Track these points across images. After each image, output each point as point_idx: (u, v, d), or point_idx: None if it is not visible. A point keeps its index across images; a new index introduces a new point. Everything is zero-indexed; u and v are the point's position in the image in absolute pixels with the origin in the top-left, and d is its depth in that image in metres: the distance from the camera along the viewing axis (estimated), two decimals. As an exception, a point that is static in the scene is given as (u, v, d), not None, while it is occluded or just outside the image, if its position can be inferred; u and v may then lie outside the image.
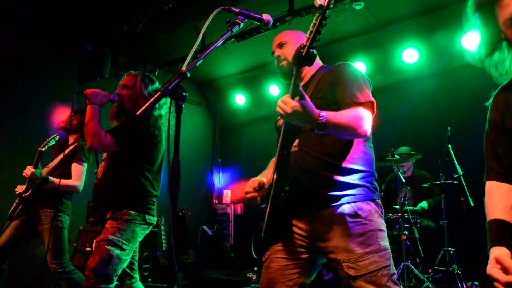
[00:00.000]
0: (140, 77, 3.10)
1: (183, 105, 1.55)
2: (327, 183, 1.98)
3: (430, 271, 4.68)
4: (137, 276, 3.17)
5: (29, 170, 3.94)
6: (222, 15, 1.85)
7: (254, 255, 2.23)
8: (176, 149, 1.46)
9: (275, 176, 2.03)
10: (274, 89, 7.64)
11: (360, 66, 6.60)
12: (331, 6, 1.53)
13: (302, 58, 1.60)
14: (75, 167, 4.11)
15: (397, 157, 4.87)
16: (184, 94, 1.51)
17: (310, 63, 1.62)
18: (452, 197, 4.87)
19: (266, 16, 1.97)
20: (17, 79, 5.81)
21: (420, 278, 4.40)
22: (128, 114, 3.03)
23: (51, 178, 3.99)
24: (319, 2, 1.53)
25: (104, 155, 3.15)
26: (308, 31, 1.58)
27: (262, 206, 2.16)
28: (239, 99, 8.32)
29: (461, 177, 4.62)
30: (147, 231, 2.98)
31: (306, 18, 5.15)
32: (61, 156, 4.09)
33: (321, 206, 1.99)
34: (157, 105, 2.92)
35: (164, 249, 6.38)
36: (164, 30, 6.06)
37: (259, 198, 2.23)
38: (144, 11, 5.58)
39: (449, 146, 4.77)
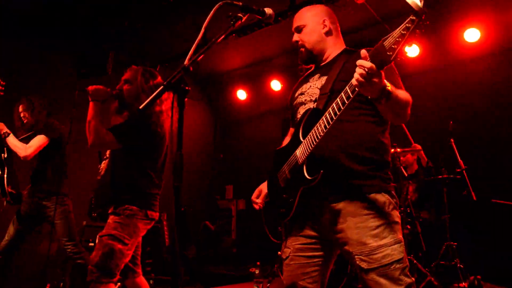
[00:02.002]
0: (141, 71, 3.09)
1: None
2: (343, 172, 1.94)
3: (432, 265, 4.69)
4: (140, 270, 3.17)
5: None
6: (224, 9, 1.84)
7: (274, 239, 2.23)
8: (179, 143, 1.46)
9: (302, 161, 1.95)
10: (275, 84, 7.63)
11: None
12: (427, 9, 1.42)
13: (389, 62, 1.51)
14: (35, 138, 4.14)
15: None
16: (187, 88, 1.50)
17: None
18: (455, 192, 4.87)
19: (268, 10, 1.96)
20: (17, 77, 5.81)
21: (422, 272, 4.40)
22: (129, 109, 3.03)
23: (11, 135, 4.10)
24: (417, 3, 1.42)
25: (108, 151, 3.15)
26: (400, 32, 1.47)
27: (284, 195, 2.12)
28: (241, 94, 8.31)
29: (464, 171, 4.61)
30: (149, 226, 2.98)
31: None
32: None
33: (336, 197, 1.95)
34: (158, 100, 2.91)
35: (166, 244, 6.40)
36: (165, 26, 6.05)
37: (259, 205, 2.30)
38: (145, 6, 5.56)
39: (452, 140, 4.76)
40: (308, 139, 1.90)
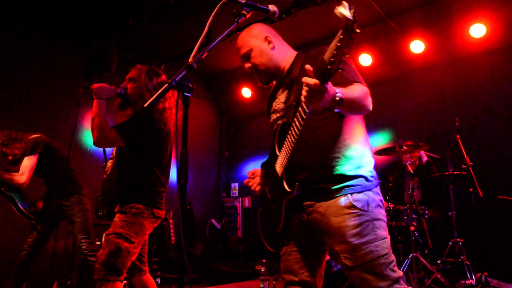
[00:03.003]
0: (145, 70, 3.09)
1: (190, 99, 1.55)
2: (323, 175, 1.98)
3: (439, 262, 4.67)
4: (146, 268, 3.18)
5: None
6: (228, 7, 1.84)
7: (270, 248, 2.27)
8: (184, 141, 1.46)
9: (281, 174, 2.03)
10: (280, 82, 7.61)
11: (366, 57, 6.57)
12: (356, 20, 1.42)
13: (331, 75, 1.53)
14: (24, 162, 4.16)
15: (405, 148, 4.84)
16: (191, 85, 1.51)
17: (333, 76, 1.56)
18: (461, 188, 4.85)
19: (272, 7, 1.96)
20: (22, 76, 5.84)
21: (428, 269, 4.39)
22: (133, 107, 3.04)
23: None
24: (346, 15, 1.42)
25: (113, 150, 3.16)
26: (336, 45, 1.47)
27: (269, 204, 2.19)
28: (246, 92, 8.31)
29: (470, 167, 4.59)
30: (155, 224, 2.99)
31: (312, 10, 5.13)
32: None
33: (319, 199, 1.99)
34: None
35: (172, 242, 6.42)
36: (169, 24, 6.06)
37: (256, 185, 2.32)
38: (149, 5, 5.57)
39: (458, 136, 4.74)
40: (283, 152, 1.99)
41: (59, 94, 6.14)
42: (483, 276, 4.27)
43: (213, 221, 7.95)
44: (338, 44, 1.46)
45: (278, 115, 2.23)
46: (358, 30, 1.42)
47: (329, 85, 1.60)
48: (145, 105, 1.41)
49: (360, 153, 2.02)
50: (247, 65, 2.27)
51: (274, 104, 2.29)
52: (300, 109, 1.78)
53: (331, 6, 5.47)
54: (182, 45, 6.66)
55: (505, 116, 5.57)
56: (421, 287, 4.21)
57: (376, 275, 1.86)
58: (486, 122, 5.73)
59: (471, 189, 4.59)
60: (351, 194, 1.94)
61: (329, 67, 1.50)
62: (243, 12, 1.84)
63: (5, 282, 4.25)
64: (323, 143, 2.00)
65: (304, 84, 1.59)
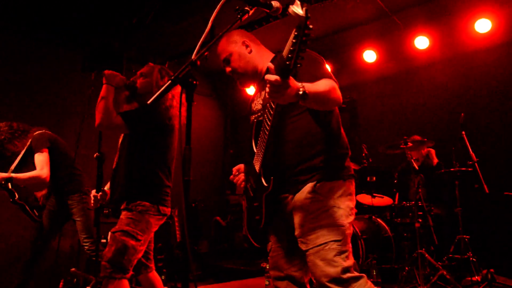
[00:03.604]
0: (158, 68, 3.17)
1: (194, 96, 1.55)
2: (296, 169, 2.05)
3: (444, 259, 4.66)
4: (153, 266, 3.19)
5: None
6: (231, 4, 1.84)
7: (256, 244, 2.30)
8: (188, 138, 1.46)
9: (258, 170, 2.10)
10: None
11: (371, 54, 6.55)
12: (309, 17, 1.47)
13: (290, 70, 1.57)
14: (37, 158, 4.12)
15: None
16: (194, 82, 1.51)
17: (295, 72, 1.61)
18: (467, 184, 4.83)
19: (275, 3, 1.95)
20: (26, 76, 5.87)
21: (434, 266, 4.38)
22: (139, 100, 3.06)
23: (13, 175, 4.04)
24: (298, 13, 1.48)
25: (118, 149, 3.17)
26: (292, 41, 1.52)
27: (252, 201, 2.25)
28: (250, 89, 8.29)
29: (475, 163, 4.57)
30: (161, 221, 3.00)
31: (315, 6, 5.11)
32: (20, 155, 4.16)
33: (291, 191, 2.06)
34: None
35: (177, 240, 6.44)
36: (173, 22, 6.06)
37: (241, 181, 2.38)
38: (153, 2, 5.57)
39: (463, 132, 4.71)
40: (258, 149, 2.07)
41: (63, 93, 6.16)
42: (489, 272, 4.25)
43: (218, 218, 7.96)
44: (294, 41, 1.50)
45: (256, 115, 2.32)
46: (311, 26, 1.47)
47: (291, 80, 1.64)
48: (149, 102, 1.41)
49: (332, 146, 2.09)
50: (228, 69, 2.38)
51: (253, 105, 2.41)
52: (267, 105, 1.86)
53: (334, 3, 5.46)
54: (186, 43, 6.65)
55: (511, 112, 5.54)
56: (427, 284, 4.19)
57: (325, 261, 1.88)
58: (491, 118, 5.70)
59: (476, 186, 4.57)
60: (318, 182, 2.00)
61: (287, 63, 1.54)
62: (246, 8, 1.84)
63: (9, 280, 4.26)
64: (296, 138, 2.07)
65: (266, 80, 1.64)
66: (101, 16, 5.83)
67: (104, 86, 2.93)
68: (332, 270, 1.87)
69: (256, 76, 2.37)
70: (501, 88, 5.67)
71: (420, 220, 4.52)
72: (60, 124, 5.83)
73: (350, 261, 1.92)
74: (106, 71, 2.97)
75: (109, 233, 2.86)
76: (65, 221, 4.37)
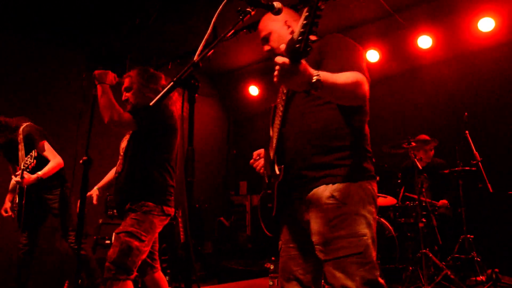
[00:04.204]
0: (133, 74, 3.14)
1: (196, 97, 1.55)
2: (308, 164, 1.92)
3: (448, 258, 4.65)
4: (158, 266, 3.20)
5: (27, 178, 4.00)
6: (233, 5, 1.84)
7: (268, 233, 2.25)
8: (190, 138, 1.46)
9: (274, 158, 2.00)
10: (287, 79, 7.61)
11: (374, 53, 6.54)
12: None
13: (300, 54, 1.46)
14: (46, 147, 4.17)
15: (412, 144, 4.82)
16: (197, 84, 1.51)
17: (306, 56, 1.49)
18: (470, 184, 4.82)
19: (277, 4, 1.95)
20: (28, 78, 5.89)
21: (438, 266, 4.37)
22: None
23: (40, 173, 4.07)
24: None
25: (121, 151, 3.17)
26: (302, 23, 1.43)
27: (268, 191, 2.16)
28: (253, 90, 8.31)
29: (479, 163, 4.56)
30: (165, 222, 3.01)
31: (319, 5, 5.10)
32: (22, 151, 4.15)
33: (303, 188, 1.94)
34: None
35: (181, 241, 6.44)
36: (176, 22, 6.07)
37: (260, 167, 2.27)
38: (155, 3, 5.58)
39: (466, 132, 4.70)
40: (274, 135, 1.98)
41: (65, 94, 6.18)
42: (494, 272, 4.24)
43: (222, 219, 7.97)
44: (305, 22, 1.43)
45: (278, 99, 2.18)
46: (322, 7, 1.41)
47: (302, 65, 1.54)
48: (151, 103, 1.42)
49: (350, 144, 1.93)
50: (266, 47, 2.27)
51: (281, 88, 2.25)
52: (280, 90, 1.78)
53: (337, 2, 5.45)
54: (188, 44, 6.66)
55: (515, 111, 5.53)
56: (431, 284, 4.18)
57: (346, 273, 1.77)
58: (495, 117, 5.68)
59: (480, 185, 4.56)
60: (333, 184, 1.86)
61: (297, 45, 1.45)
62: (248, 9, 1.84)
63: (7, 283, 4.27)
64: (311, 130, 1.94)
65: (275, 62, 1.55)
66: (104, 16, 5.85)
67: (98, 86, 2.91)
68: (352, 284, 1.76)
69: None
70: (505, 87, 5.65)
71: (424, 220, 4.51)
72: (61, 124, 5.85)
73: (374, 272, 1.79)
74: (96, 71, 2.95)
75: (113, 234, 2.87)
76: (45, 217, 4.34)
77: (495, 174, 4.86)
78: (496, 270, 4.28)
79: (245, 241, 7.82)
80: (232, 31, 1.77)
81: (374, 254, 1.82)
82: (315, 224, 1.87)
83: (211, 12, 1.83)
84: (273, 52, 2.22)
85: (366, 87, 1.81)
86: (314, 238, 1.87)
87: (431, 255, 4.33)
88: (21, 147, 4.13)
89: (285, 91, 1.76)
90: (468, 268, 4.52)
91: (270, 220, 2.16)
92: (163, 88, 3.02)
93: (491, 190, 4.44)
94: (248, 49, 7.23)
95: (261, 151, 2.33)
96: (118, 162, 3.13)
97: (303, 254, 2.04)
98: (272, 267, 5.12)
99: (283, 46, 1.56)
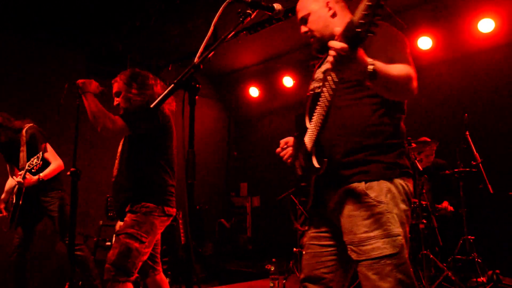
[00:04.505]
0: (120, 78, 3.11)
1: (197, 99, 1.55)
2: (342, 160, 1.85)
3: (449, 260, 4.64)
4: (160, 268, 3.18)
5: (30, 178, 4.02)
6: (234, 6, 1.84)
7: (299, 227, 2.19)
8: (191, 140, 1.46)
9: (310, 149, 1.90)
10: (288, 80, 7.62)
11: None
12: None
13: (361, 39, 1.36)
14: (49, 149, 4.20)
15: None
16: (197, 85, 1.51)
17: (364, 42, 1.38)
18: (471, 185, 4.81)
19: (277, 6, 1.95)
20: (28, 78, 5.89)
21: (439, 267, 4.36)
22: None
23: (41, 175, 4.10)
24: None
25: (118, 154, 3.15)
26: (366, 4, 1.31)
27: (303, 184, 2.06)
28: (253, 92, 8.32)
29: (480, 164, 4.55)
30: (167, 222, 3.00)
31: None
32: (23, 152, 4.16)
33: (336, 185, 1.87)
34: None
35: (182, 242, 6.44)
36: (177, 24, 6.08)
37: (288, 156, 2.19)
38: (156, 5, 5.59)
39: (467, 133, 4.70)
40: (312, 125, 1.86)
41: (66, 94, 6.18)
42: (494, 273, 4.24)
43: (223, 220, 7.97)
44: (369, 3, 1.31)
45: (315, 84, 2.11)
46: None
47: (360, 52, 1.45)
48: (152, 105, 1.42)
49: (385, 141, 1.87)
50: (303, 29, 2.15)
51: (317, 71, 2.18)
52: (328, 78, 1.64)
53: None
54: (189, 45, 6.67)
55: (515, 112, 5.52)
56: (432, 285, 4.18)
57: (380, 275, 1.72)
58: (495, 118, 5.68)
59: (481, 186, 4.56)
60: (366, 181, 1.80)
61: (358, 30, 1.34)
62: (248, 11, 1.84)
63: (7, 283, 4.26)
64: (347, 125, 1.88)
65: (331, 48, 1.44)
66: (104, 17, 5.85)
67: (83, 96, 2.88)
68: (387, 286, 1.71)
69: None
70: (506, 88, 5.65)
71: (424, 221, 4.51)
72: (61, 124, 5.85)
73: (408, 273, 1.75)
74: (79, 80, 2.92)
75: (113, 235, 2.87)
76: (40, 218, 4.35)
77: (496, 175, 4.85)
78: (497, 271, 4.28)
79: (245, 242, 7.81)
80: (233, 33, 1.78)
81: (407, 253, 1.78)
82: (347, 222, 1.82)
83: (211, 14, 1.83)
84: (312, 35, 2.12)
85: (415, 82, 1.75)
86: (346, 238, 1.82)
87: (431, 256, 4.33)
88: (23, 148, 4.14)
89: (336, 80, 1.61)
90: (469, 269, 4.51)
91: (302, 214, 2.13)
92: (151, 88, 3.04)
93: (491, 191, 4.44)
94: (248, 50, 7.23)
95: (289, 139, 2.24)
96: (115, 166, 3.11)
97: (329, 253, 1.98)
98: (272, 268, 5.13)
99: (338, 30, 1.45)
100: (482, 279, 4.33)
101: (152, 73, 3.22)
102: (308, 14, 2.10)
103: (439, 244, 4.73)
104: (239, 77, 8.37)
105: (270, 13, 1.94)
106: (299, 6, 2.16)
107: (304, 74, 7.39)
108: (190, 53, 6.78)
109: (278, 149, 2.26)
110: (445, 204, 5.18)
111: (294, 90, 7.68)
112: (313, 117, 1.85)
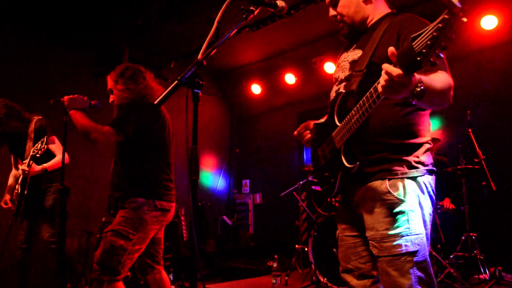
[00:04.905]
0: (111, 76, 3.02)
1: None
2: (367, 157, 1.85)
3: (451, 257, 4.64)
4: (160, 267, 3.06)
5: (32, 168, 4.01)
6: (236, 3, 1.84)
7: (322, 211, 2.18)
8: (194, 137, 1.47)
9: (339, 146, 1.89)
10: (290, 77, 7.62)
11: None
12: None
13: (418, 67, 1.28)
14: (56, 141, 4.20)
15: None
16: (201, 82, 1.51)
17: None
18: (473, 182, 4.81)
19: (280, 3, 1.95)
20: (33, 78, 5.90)
21: (441, 264, 4.37)
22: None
23: (46, 165, 4.09)
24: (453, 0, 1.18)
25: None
26: (432, 34, 1.22)
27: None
28: (255, 89, 8.32)
29: (482, 161, 4.55)
30: (162, 218, 2.87)
31: (321, 4, 5.11)
32: (30, 143, 4.14)
33: (361, 181, 1.88)
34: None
35: (184, 239, 6.46)
36: (179, 22, 6.08)
37: (306, 139, 2.19)
38: (158, 3, 5.59)
39: (470, 130, 4.70)
40: (344, 126, 1.82)
41: (69, 94, 6.19)
42: (497, 270, 4.24)
43: (225, 217, 7.98)
44: (435, 34, 1.21)
45: (340, 74, 2.05)
46: (464, 19, 1.18)
47: (415, 78, 1.39)
48: (156, 102, 1.42)
49: (410, 139, 1.85)
50: (332, 12, 2.06)
51: (344, 56, 2.11)
52: (374, 93, 1.59)
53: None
54: (191, 43, 6.68)
55: (518, 109, 5.51)
56: (434, 281, 4.18)
57: (400, 272, 1.73)
58: (498, 115, 5.67)
59: (483, 183, 4.56)
60: (389, 179, 1.80)
61: (418, 58, 1.25)
62: (251, 8, 1.84)
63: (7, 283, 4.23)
64: (376, 126, 1.85)
65: (384, 71, 1.39)
66: (105, 17, 5.86)
67: (71, 112, 2.82)
68: (407, 283, 1.71)
69: (361, 29, 2.03)
70: (508, 85, 5.64)
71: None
72: (61, 126, 5.86)
73: (428, 271, 1.76)
74: (65, 97, 2.86)
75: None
76: (37, 211, 4.26)
77: (498, 172, 4.85)
78: (499, 268, 4.28)
79: (247, 239, 7.83)
80: (235, 30, 1.78)
81: (427, 251, 1.79)
82: (369, 219, 1.83)
83: (214, 11, 1.83)
84: (341, 19, 2.05)
85: (453, 90, 1.71)
86: (368, 233, 1.83)
87: (434, 253, 4.34)
88: (30, 139, 4.13)
89: (380, 97, 1.56)
90: (471, 266, 4.52)
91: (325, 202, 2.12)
92: (141, 82, 2.97)
93: (494, 188, 4.43)
94: (250, 47, 7.23)
95: (309, 123, 2.21)
96: (111, 164, 3.05)
97: (362, 243, 1.97)
98: (274, 265, 5.13)
99: (392, 49, 1.39)
100: (484, 276, 4.34)
101: (154, 71, 3.15)
102: None
103: (442, 241, 4.73)
104: (241, 74, 8.37)
105: (272, 10, 1.94)
106: None
107: (306, 72, 7.39)
108: (192, 50, 6.78)
109: (296, 132, 2.24)
110: (446, 201, 5.19)
111: (296, 87, 7.68)
112: (346, 118, 1.80)
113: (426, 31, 1.24)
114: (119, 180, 2.87)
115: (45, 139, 3.83)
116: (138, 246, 2.71)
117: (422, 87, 1.40)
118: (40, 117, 4.30)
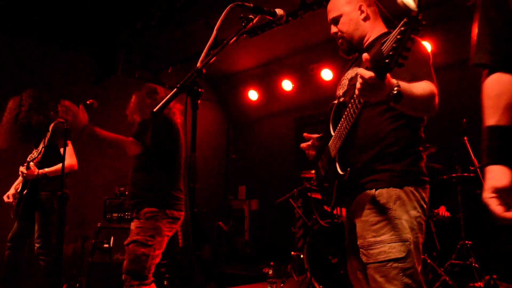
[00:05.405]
0: (132, 101, 3.30)
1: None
2: (360, 168, 1.93)
3: (446, 264, 4.65)
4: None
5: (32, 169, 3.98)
6: (235, 11, 1.85)
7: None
8: (193, 145, 1.47)
9: (334, 155, 1.97)
10: (287, 84, 7.64)
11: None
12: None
13: (389, 70, 1.38)
14: (69, 146, 4.16)
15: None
16: (200, 90, 1.52)
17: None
18: (469, 190, 4.82)
19: (279, 11, 1.97)
20: (32, 82, 5.89)
21: (437, 272, 4.37)
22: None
23: (47, 169, 4.05)
24: (408, 4, 1.29)
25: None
26: (396, 37, 1.32)
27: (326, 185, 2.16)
28: (252, 95, 8.33)
29: (478, 169, 4.57)
30: (174, 225, 3.07)
31: (319, 12, 5.13)
32: (43, 143, 4.08)
33: (354, 190, 1.96)
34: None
35: (180, 245, 6.44)
36: (177, 28, 6.09)
37: (310, 154, 2.28)
38: (157, 8, 5.60)
39: (465, 138, 4.72)
40: (336, 135, 1.92)
41: (68, 97, 6.18)
42: (492, 279, 4.24)
43: (220, 223, 7.96)
44: (399, 37, 1.32)
45: (340, 91, 2.17)
46: (424, 22, 1.29)
47: (387, 80, 1.48)
48: (155, 110, 1.43)
49: (400, 149, 1.92)
50: (333, 29, 2.18)
51: (344, 76, 2.22)
52: (355, 96, 1.69)
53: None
54: (189, 49, 6.68)
55: (513, 118, 5.53)
56: (429, 289, 4.19)
57: (386, 278, 1.78)
58: (494, 124, 5.69)
59: (478, 191, 4.56)
60: (377, 189, 1.88)
61: (386, 61, 1.36)
62: (250, 16, 1.86)
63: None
64: (361, 136, 1.93)
65: (359, 76, 1.49)
66: (104, 21, 5.86)
67: (96, 133, 2.81)
68: None
69: (361, 46, 2.14)
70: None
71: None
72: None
73: (415, 277, 1.80)
74: (68, 118, 2.84)
75: (124, 246, 2.94)
76: (32, 212, 4.18)
77: (494, 180, 4.86)
78: (494, 276, 4.28)
79: (243, 245, 7.81)
80: (234, 38, 1.79)
81: (416, 260, 1.82)
82: (359, 227, 1.92)
83: (212, 17, 1.84)
84: (341, 36, 2.15)
85: (437, 99, 1.80)
86: (359, 241, 1.91)
87: (429, 261, 4.34)
88: (43, 141, 4.09)
89: (361, 101, 1.67)
90: (466, 274, 4.52)
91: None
92: (158, 99, 3.15)
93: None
94: (248, 53, 7.25)
95: (313, 137, 2.29)
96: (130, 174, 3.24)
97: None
98: (270, 272, 5.13)
99: (366, 55, 1.49)
100: (479, 284, 4.34)
101: (151, 75, 3.33)
102: (340, 16, 2.13)
103: (437, 249, 4.74)
104: (238, 80, 8.39)
105: (271, 18, 1.96)
106: (330, 6, 2.20)
107: (303, 79, 7.41)
108: (189, 56, 6.79)
109: (303, 145, 2.33)
110: (442, 209, 5.19)
111: (293, 93, 7.70)
112: (338, 127, 1.91)
113: (392, 36, 1.34)
114: (134, 191, 3.08)
115: (40, 148, 3.82)
116: (158, 251, 2.97)
117: (398, 90, 1.49)
118: (62, 120, 4.22)
